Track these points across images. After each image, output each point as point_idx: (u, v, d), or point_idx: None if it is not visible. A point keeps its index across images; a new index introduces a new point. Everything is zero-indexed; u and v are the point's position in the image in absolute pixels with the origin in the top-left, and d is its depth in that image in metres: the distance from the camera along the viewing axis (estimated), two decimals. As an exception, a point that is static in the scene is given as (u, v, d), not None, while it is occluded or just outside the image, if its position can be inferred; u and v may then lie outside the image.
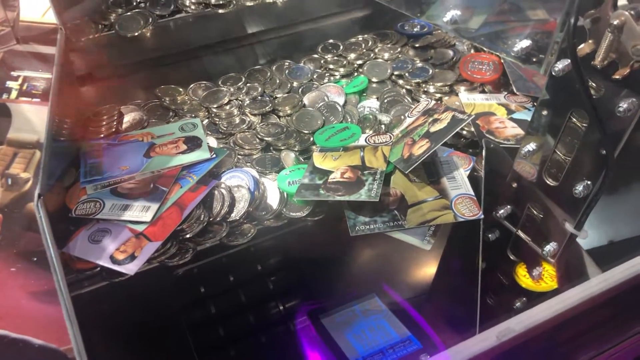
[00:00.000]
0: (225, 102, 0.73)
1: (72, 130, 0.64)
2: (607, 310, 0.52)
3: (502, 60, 0.75)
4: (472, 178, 0.61)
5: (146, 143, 0.64)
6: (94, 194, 0.58)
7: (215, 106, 0.72)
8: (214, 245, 0.56)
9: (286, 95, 0.75)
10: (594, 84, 0.45)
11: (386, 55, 0.81)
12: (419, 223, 0.57)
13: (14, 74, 0.58)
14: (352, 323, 0.66)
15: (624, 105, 0.43)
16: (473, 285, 0.57)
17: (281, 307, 0.68)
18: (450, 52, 0.80)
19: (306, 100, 0.74)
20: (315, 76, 0.79)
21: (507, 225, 0.60)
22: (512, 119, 0.68)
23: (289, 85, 0.77)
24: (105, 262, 0.52)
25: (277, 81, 0.78)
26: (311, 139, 0.68)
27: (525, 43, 0.52)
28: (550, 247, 0.56)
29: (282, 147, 0.67)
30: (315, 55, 0.83)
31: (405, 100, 0.73)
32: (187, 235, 0.55)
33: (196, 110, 0.72)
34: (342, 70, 0.79)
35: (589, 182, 0.49)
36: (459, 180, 0.61)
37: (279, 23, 0.83)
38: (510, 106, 0.71)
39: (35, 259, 0.44)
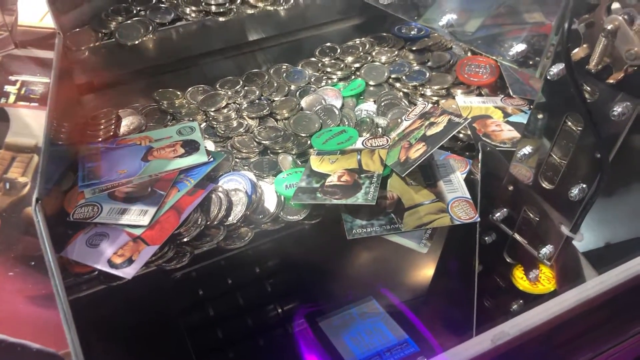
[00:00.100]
0: (223, 105, 0.73)
1: (70, 134, 0.64)
2: (604, 313, 0.52)
3: (498, 64, 0.76)
4: (469, 181, 0.61)
5: (144, 147, 0.65)
6: (92, 198, 0.58)
7: (213, 110, 0.73)
8: (211, 248, 0.56)
9: (284, 98, 0.75)
10: (588, 88, 0.45)
11: (383, 59, 0.81)
12: (415, 226, 0.57)
13: (12, 78, 0.58)
14: (350, 326, 0.67)
15: (618, 109, 0.43)
16: (470, 288, 0.57)
17: (279, 310, 0.68)
18: (447, 55, 0.81)
19: (303, 103, 0.74)
20: (312, 79, 0.79)
21: (503, 228, 0.61)
22: (508, 122, 0.69)
23: (287, 88, 0.77)
24: (103, 266, 0.52)
25: (275, 84, 0.78)
26: (308, 142, 0.68)
27: (521, 47, 0.53)
28: (547, 249, 0.56)
29: (280, 151, 0.67)
30: (313, 59, 0.83)
31: (402, 104, 0.73)
32: (185, 239, 0.56)
33: (194, 114, 0.73)
34: (339, 73, 0.79)
35: (584, 186, 0.49)
36: (456, 183, 0.61)
37: (279, 30, 0.84)
38: (507, 109, 0.71)
39: (33, 263, 0.44)
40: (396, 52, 0.82)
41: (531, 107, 0.63)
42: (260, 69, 0.82)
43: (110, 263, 0.52)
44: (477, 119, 0.69)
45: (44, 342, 0.40)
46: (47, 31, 0.63)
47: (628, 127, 0.44)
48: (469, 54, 0.80)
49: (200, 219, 0.57)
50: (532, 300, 0.59)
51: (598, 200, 0.71)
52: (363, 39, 0.86)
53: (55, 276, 0.43)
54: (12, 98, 0.57)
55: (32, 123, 0.55)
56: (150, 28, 0.75)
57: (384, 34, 0.87)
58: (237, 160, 0.66)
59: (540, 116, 0.52)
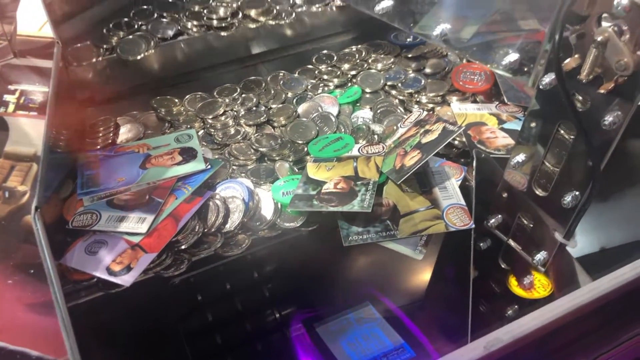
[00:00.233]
0: (221, 113, 0.74)
1: (69, 142, 0.65)
2: (596, 319, 0.52)
3: (493, 71, 0.77)
4: (464, 188, 0.62)
5: (142, 154, 0.65)
6: (91, 206, 0.58)
7: (210, 117, 0.73)
8: (209, 255, 0.57)
9: (281, 105, 0.76)
10: (580, 97, 0.46)
11: (379, 66, 0.82)
12: (411, 233, 0.58)
13: (11, 87, 0.59)
14: (347, 331, 0.67)
15: (609, 118, 0.44)
16: (465, 293, 0.58)
17: (276, 316, 0.68)
18: (443, 63, 0.82)
19: (300, 110, 0.75)
20: (309, 87, 0.80)
21: (498, 234, 0.61)
22: (503, 129, 0.69)
23: (284, 95, 0.78)
24: (102, 274, 0.52)
25: (272, 92, 0.78)
26: (305, 149, 0.69)
27: (514, 56, 0.53)
28: (541, 256, 0.57)
29: (277, 158, 0.68)
30: (310, 66, 0.83)
31: (398, 111, 0.74)
32: (182, 247, 0.56)
33: (192, 121, 0.73)
34: (336, 80, 0.80)
35: (577, 193, 0.50)
36: (451, 190, 0.62)
37: (281, 44, 0.85)
38: (502, 116, 0.72)
39: (32, 270, 0.45)
40: (392, 60, 0.83)
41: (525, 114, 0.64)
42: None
43: (109, 270, 0.52)
44: (472, 126, 0.70)
45: (43, 349, 0.40)
46: (46, 40, 0.64)
47: (619, 136, 0.45)
48: (464, 61, 0.81)
49: (197, 227, 0.57)
50: (528, 305, 0.60)
51: (593, 206, 0.72)
52: (359, 46, 0.87)
53: (54, 283, 0.43)
54: (11, 107, 0.57)
55: (31, 132, 0.56)
56: (152, 43, 0.75)
57: (380, 41, 0.87)
58: (235, 167, 0.66)
59: (533, 124, 0.52)
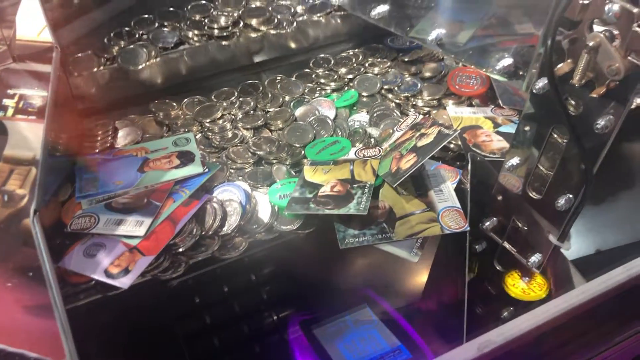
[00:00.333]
0: (218, 116, 0.74)
1: (68, 146, 0.65)
2: (590, 320, 0.53)
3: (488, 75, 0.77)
4: (459, 191, 0.63)
5: (140, 158, 0.66)
6: (89, 209, 0.59)
7: (208, 121, 0.74)
8: (206, 258, 0.57)
9: (278, 109, 0.76)
10: (573, 102, 0.47)
11: (376, 70, 0.83)
12: (406, 235, 0.58)
13: (10, 92, 0.59)
14: (344, 333, 0.67)
15: (601, 122, 0.44)
16: (461, 295, 0.58)
17: (274, 318, 0.69)
18: (439, 66, 0.82)
19: (297, 114, 0.75)
20: (306, 90, 0.80)
21: (493, 236, 0.62)
22: (498, 132, 0.70)
23: (281, 99, 0.78)
24: (100, 276, 0.53)
25: (270, 96, 0.79)
26: (302, 152, 0.69)
27: (508, 61, 0.54)
28: (535, 258, 0.57)
29: (274, 161, 0.68)
30: (307, 70, 0.84)
31: (395, 114, 0.75)
32: (180, 249, 0.56)
33: (189, 125, 0.74)
34: (333, 84, 0.81)
35: (570, 196, 0.50)
36: (446, 193, 0.62)
37: (282, 53, 0.85)
38: (497, 119, 0.72)
39: (31, 273, 0.45)
40: (388, 64, 0.84)
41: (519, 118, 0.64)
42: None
43: (107, 273, 0.53)
44: (468, 130, 0.70)
45: (42, 351, 0.40)
46: (45, 45, 0.64)
47: (611, 139, 0.46)
48: (460, 64, 0.82)
49: (195, 229, 0.58)
50: (523, 307, 0.61)
51: (588, 209, 0.72)
52: (356, 50, 0.87)
53: (53, 286, 0.44)
54: (10, 111, 0.58)
55: (30, 136, 0.56)
56: (153, 53, 0.75)
57: (377, 45, 0.88)
58: (232, 170, 0.67)
59: (527, 128, 0.53)
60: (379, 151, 0.66)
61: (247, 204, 0.61)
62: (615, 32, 0.42)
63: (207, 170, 0.63)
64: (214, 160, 0.68)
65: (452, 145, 0.69)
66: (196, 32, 0.78)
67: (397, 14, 0.68)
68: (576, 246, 0.65)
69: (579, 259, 0.63)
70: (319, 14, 0.83)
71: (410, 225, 0.59)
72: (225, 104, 0.77)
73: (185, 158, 0.65)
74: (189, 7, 0.82)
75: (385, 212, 0.60)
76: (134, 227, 0.56)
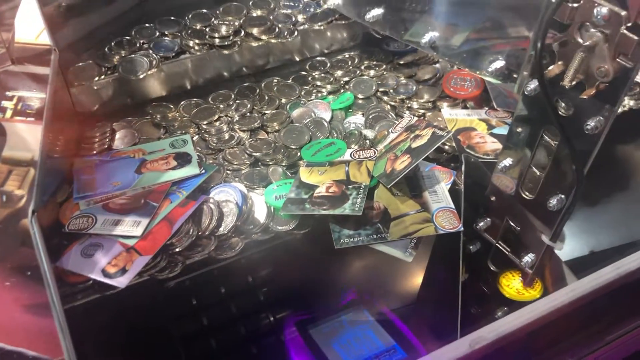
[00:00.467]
0: (215, 118, 0.75)
1: (66, 147, 0.66)
2: (582, 318, 0.54)
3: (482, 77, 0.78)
4: (453, 192, 0.63)
5: (137, 159, 0.66)
6: (87, 210, 0.59)
7: (205, 123, 0.74)
8: (202, 258, 0.58)
9: (274, 111, 0.77)
10: (563, 103, 0.48)
11: (372, 72, 0.83)
12: (401, 236, 0.59)
13: (9, 93, 0.60)
14: (339, 333, 0.68)
15: (591, 123, 0.45)
16: (455, 295, 0.59)
17: (270, 319, 0.69)
18: (434, 69, 0.83)
19: (293, 116, 0.76)
20: (303, 93, 0.81)
21: (487, 237, 0.62)
22: (492, 134, 0.71)
23: (277, 101, 0.79)
24: (97, 276, 0.53)
25: (266, 98, 0.80)
26: (298, 154, 0.70)
27: (500, 63, 0.55)
28: (528, 258, 0.58)
29: (270, 162, 0.69)
30: (303, 73, 0.85)
31: (390, 116, 0.75)
32: (177, 249, 0.57)
33: (186, 127, 0.74)
34: (329, 87, 0.81)
35: (562, 196, 0.51)
36: (440, 193, 0.63)
37: (283, 61, 0.85)
38: (491, 121, 0.73)
39: (29, 273, 0.46)
40: (384, 66, 0.84)
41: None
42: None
43: (105, 273, 0.53)
44: (462, 131, 0.71)
45: (40, 349, 0.41)
46: (43, 48, 0.65)
47: (601, 140, 0.46)
48: (455, 67, 0.82)
49: (191, 230, 0.58)
50: (518, 307, 0.61)
51: (582, 210, 0.73)
52: (352, 53, 0.88)
53: (51, 286, 0.44)
54: (8, 113, 0.58)
55: (28, 137, 0.57)
56: (154, 62, 0.75)
57: (372, 48, 0.88)
58: (228, 172, 0.67)
59: (519, 129, 0.54)
60: (374, 152, 0.67)
61: (244, 205, 0.61)
62: (605, 34, 0.42)
63: (203, 171, 0.64)
64: (211, 161, 0.69)
65: (446, 147, 0.69)
66: (197, 41, 0.78)
67: (392, 18, 0.69)
68: (570, 247, 0.66)
69: (573, 259, 0.63)
70: (320, 23, 0.83)
71: (404, 226, 0.59)
72: (222, 106, 0.77)
73: (182, 159, 0.66)
74: (190, 15, 0.82)
75: (380, 213, 0.61)
76: (131, 227, 0.57)
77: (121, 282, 0.53)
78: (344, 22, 0.85)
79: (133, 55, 0.76)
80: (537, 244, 0.56)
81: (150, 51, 0.77)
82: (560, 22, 0.45)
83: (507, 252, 0.61)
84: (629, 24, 0.40)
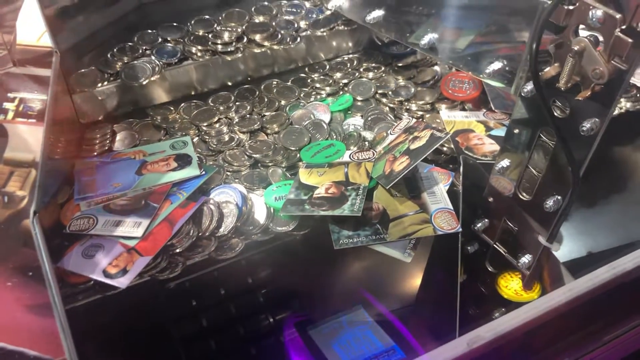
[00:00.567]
0: (215, 120, 0.76)
1: (67, 149, 0.66)
2: (579, 318, 0.54)
3: (481, 79, 0.78)
4: (451, 193, 0.64)
5: (138, 161, 0.67)
6: (88, 211, 0.60)
7: (205, 124, 0.75)
8: (203, 259, 0.58)
9: (274, 113, 0.78)
10: (559, 104, 0.48)
11: (370, 75, 0.84)
12: (399, 236, 0.59)
13: (11, 95, 0.60)
14: (339, 334, 0.68)
15: (587, 125, 0.46)
16: (454, 296, 0.59)
17: (270, 320, 0.70)
18: (432, 71, 0.83)
19: (293, 118, 0.77)
20: (302, 95, 0.81)
21: (485, 238, 0.63)
22: (490, 136, 0.71)
23: (277, 103, 0.80)
24: (98, 276, 0.54)
25: (266, 100, 0.80)
26: (298, 155, 0.70)
27: (497, 65, 0.55)
28: (525, 259, 0.58)
29: (270, 164, 0.69)
30: (303, 75, 0.85)
31: (388, 118, 0.76)
32: (177, 250, 0.57)
33: (187, 128, 0.75)
34: (328, 89, 0.82)
35: (559, 197, 0.52)
36: (439, 195, 0.63)
37: (285, 67, 0.85)
38: (489, 123, 0.74)
39: (30, 273, 0.46)
40: (383, 69, 0.85)
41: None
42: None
43: (105, 273, 0.54)
44: (460, 133, 0.71)
45: (41, 349, 0.41)
46: (45, 50, 0.65)
47: (597, 141, 0.47)
48: (453, 69, 0.83)
49: (192, 231, 0.59)
50: (516, 308, 0.62)
51: (580, 212, 0.74)
52: (351, 55, 0.88)
53: (52, 286, 0.44)
54: (10, 114, 0.58)
55: (29, 139, 0.57)
56: (157, 68, 0.75)
57: (371, 50, 0.89)
58: (228, 173, 0.68)
59: (516, 131, 0.54)
60: (373, 154, 0.67)
61: (244, 206, 0.62)
62: (600, 37, 0.43)
63: (204, 172, 0.64)
64: (211, 163, 0.69)
65: (444, 149, 0.70)
66: (200, 47, 0.79)
67: (392, 19, 0.70)
68: (568, 248, 0.67)
69: (571, 260, 0.64)
70: (322, 29, 0.84)
71: (403, 227, 0.60)
72: (221, 108, 0.78)
73: (183, 161, 0.66)
74: (193, 22, 0.83)
75: (379, 214, 0.61)
76: (131, 228, 0.57)
77: (122, 282, 0.53)
78: (346, 28, 0.85)
79: (135, 62, 0.76)
80: (534, 245, 0.57)
81: (153, 57, 0.77)
82: (556, 25, 0.45)
83: (504, 253, 0.61)
84: (624, 27, 0.41)
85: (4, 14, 0.67)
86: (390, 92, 0.80)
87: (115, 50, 0.77)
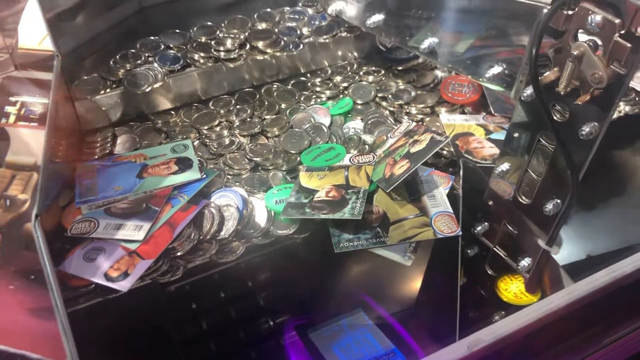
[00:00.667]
0: (216, 123, 0.76)
1: (68, 152, 0.66)
2: (577, 322, 0.54)
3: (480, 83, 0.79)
4: (451, 196, 0.64)
5: (139, 164, 0.67)
6: (89, 214, 0.60)
7: (205, 128, 0.75)
8: (204, 262, 0.58)
9: (274, 116, 0.78)
10: (559, 108, 0.48)
11: (370, 78, 0.84)
12: (400, 240, 0.59)
13: (12, 99, 0.60)
14: (339, 337, 0.68)
15: (586, 129, 0.46)
16: (454, 299, 0.60)
17: (270, 323, 0.70)
18: (432, 75, 0.84)
19: (293, 121, 0.77)
20: (302, 98, 0.82)
21: (484, 241, 0.63)
22: (490, 139, 0.71)
23: (277, 107, 0.80)
24: (100, 280, 0.54)
25: (266, 103, 0.80)
26: (298, 158, 0.71)
27: (497, 69, 0.56)
28: (525, 262, 0.58)
29: (270, 167, 0.70)
30: (303, 78, 0.85)
31: (388, 122, 0.76)
32: (178, 253, 0.57)
33: (187, 132, 0.75)
34: (328, 92, 0.82)
35: (558, 201, 0.52)
36: (439, 198, 0.63)
37: (289, 74, 0.85)
38: (489, 127, 0.74)
39: (32, 276, 0.46)
40: (383, 72, 0.85)
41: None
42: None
43: (107, 276, 0.54)
44: (460, 137, 0.72)
45: (43, 352, 0.41)
46: (46, 54, 0.65)
47: (596, 145, 0.47)
48: (453, 73, 0.83)
49: (193, 234, 0.59)
50: (516, 311, 0.62)
51: (579, 215, 0.74)
52: (348, 55, 0.89)
53: (54, 289, 0.44)
54: (12, 118, 0.59)
55: (31, 142, 0.57)
56: (160, 76, 0.75)
57: (372, 54, 0.89)
58: (229, 176, 0.68)
59: (516, 134, 0.54)
60: (373, 157, 0.68)
61: (244, 209, 0.62)
62: (599, 42, 0.43)
63: (204, 176, 0.65)
64: (212, 166, 0.69)
65: (444, 152, 0.70)
66: (202, 54, 0.79)
67: (392, 23, 0.70)
68: (567, 251, 0.67)
69: (571, 264, 0.64)
70: (325, 36, 0.84)
71: (403, 230, 0.60)
72: (222, 111, 0.78)
73: (184, 164, 0.66)
74: (195, 28, 0.83)
75: (379, 217, 0.61)
76: (133, 231, 0.57)
77: (123, 285, 0.53)
78: (349, 35, 0.85)
79: (138, 69, 0.76)
80: (534, 248, 0.57)
81: (156, 64, 0.77)
82: (556, 29, 0.45)
83: (503, 256, 0.61)
84: (622, 32, 0.41)
85: (5, 18, 0.67)
86: (390, 96, 0.80)
87: (117, 57, 0.77)
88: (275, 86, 0.83)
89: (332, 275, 0.72)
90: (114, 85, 0.75)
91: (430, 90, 0.82)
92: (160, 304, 0.63)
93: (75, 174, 0.65)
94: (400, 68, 0.86)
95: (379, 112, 0.78)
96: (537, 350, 0.53)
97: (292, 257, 0.66)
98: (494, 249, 0.62)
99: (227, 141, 0.73)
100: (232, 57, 0.79)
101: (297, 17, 0.88)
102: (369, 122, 0.76)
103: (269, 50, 0.81)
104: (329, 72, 0.86)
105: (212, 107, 0.79)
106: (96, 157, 0.69)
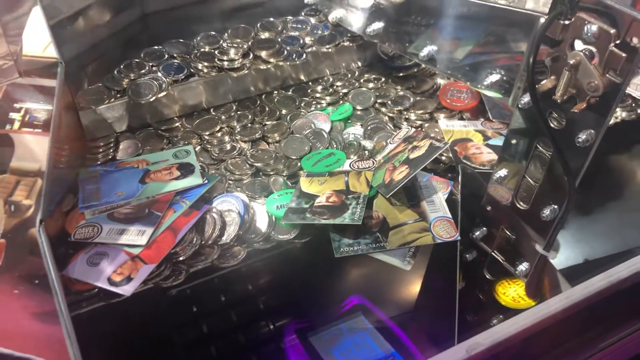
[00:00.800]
0: (217, 129, 0.77)
1: (71, 158, 0.67)
2: (575, 326, 0.55)
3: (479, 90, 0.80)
4: (450, 201, 0.65)
5: (141, 170, 0.67)
6: (92, 219, 0.61)
7: (207, 133, 0.76)
8: (206, 267, 0.59)
9: (275, 122, 0.79)
10: (556, 115, 0.49)
11: (370, 85, 0.85)
12: (399, 244, 0.60)
13: (17, 105, 0.61)
14: (339, 341, 0.69)
15: (582, 136, 0.47)
16: (453, 303, 0.60)
17: (271, 326, 0.70)
18: (431, 81, 0.85)
19: (294, 127, 0.78)
20: (302, 104, 0.83)
21: (483, 246, 0.64)
22: (488, 145, 0.72)
23: (278, 112, 0.81)
24: (103, 284, 0.54)
25: (267, 109, 0.81)
26: (299, 164, 0.71)
27: (495, 77, 0.57)
28: (523, 267, 0.59)
29: (271, 173, 0.70)
30: (303, 84, 0.86)
31: (388, 127, 0.77)
32: (181, 258, 0.58)
33: (189, 138, 0.76)
34: (328, 98, 0.83)
35: (555, 207, 0.52)
36: (438, 203, 0.64)
37: (292, 82, 0.86)
38: (487, 132, 0.75)
39: (37, 281, 0.47)
40: (382, 79, 0.86)
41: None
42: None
43: (110, 281, 0.54)
44: (458, 142, 0.72)
45: (48, 356, 0.42)
46: (50, 61, 0.66)
47: (592, 152, 0.48)
48: (452, 79, 0.84)
49: (195, 239, 0.59)
50: (514, 315, 0.62)
51: (577, 220, 0.74)
52: (351, 65, 0.89)
53: (58, 294, 0.45)
54: (16, 124, 0.59)
55: (35, 148, 0.58)
56: (164, 85, 0.76)
57: (372, 61, 0.90)
58: (230, 182, 0.69)
59: (514, 141, 0.55)
60: (373, 163, 0.68)
61: (246, 214, 0.63)
62: (595, 51, 0.44)
63: (206, 181, 0.65)
64: (213, 171, 0.70)
65: (443, 158, 0.71)
66: (206, 64, 0.79)
67: (392, 31, 0.71)
68: (565, 256, 0.67)
69: (568, 268, 0.64)
70: (328, 46, 0.84)
71: (403, 235, 0.61)
72: (223, 117, 0.79)
73: (185, 170, 0.67)
74: (198, 37, 0.84)
75: (379, 222, 0.62)
76: (136, 236, 0.58)
77: (126, 290, 0.54)
78: (352, 44, 0.86)
79: (142, 79, 0.76)
80: (532, 253, 0.57)
81: (159, 74, 0.77)
82: (553, 38, 0.46)
83: (501, 261, 0.62)
84: (618, 42, 0.42)
85: (10, 25, 0.68)
86: (389, 102, 0.81)
87: (122, 66, 0.78)
88: (275, 92, 0.84)
89: (333, 280, 0.72)
90: (118, 95, 0.75)
91: (429, 97, 0.83)
92: (163, 308, 0.64)
93: (78, 179, 0.66)
94: (399, 74, 0.86)
95: (378, 118, 0.79)
96: (534, 354, 0.54)
97: (292, 261, 0.66)
98: (492, 253, 0.63)
99: (228, 147, 0.74)
100: (235, 66, 0.79)
101: (300, 26, 0.88)
102: (369, 128, 0.77)
103: (272, 60, 0.81)
104: (330, 80, 0.87)
105: (213, 113, 0.80)
106: (99, 162, 0.70)
